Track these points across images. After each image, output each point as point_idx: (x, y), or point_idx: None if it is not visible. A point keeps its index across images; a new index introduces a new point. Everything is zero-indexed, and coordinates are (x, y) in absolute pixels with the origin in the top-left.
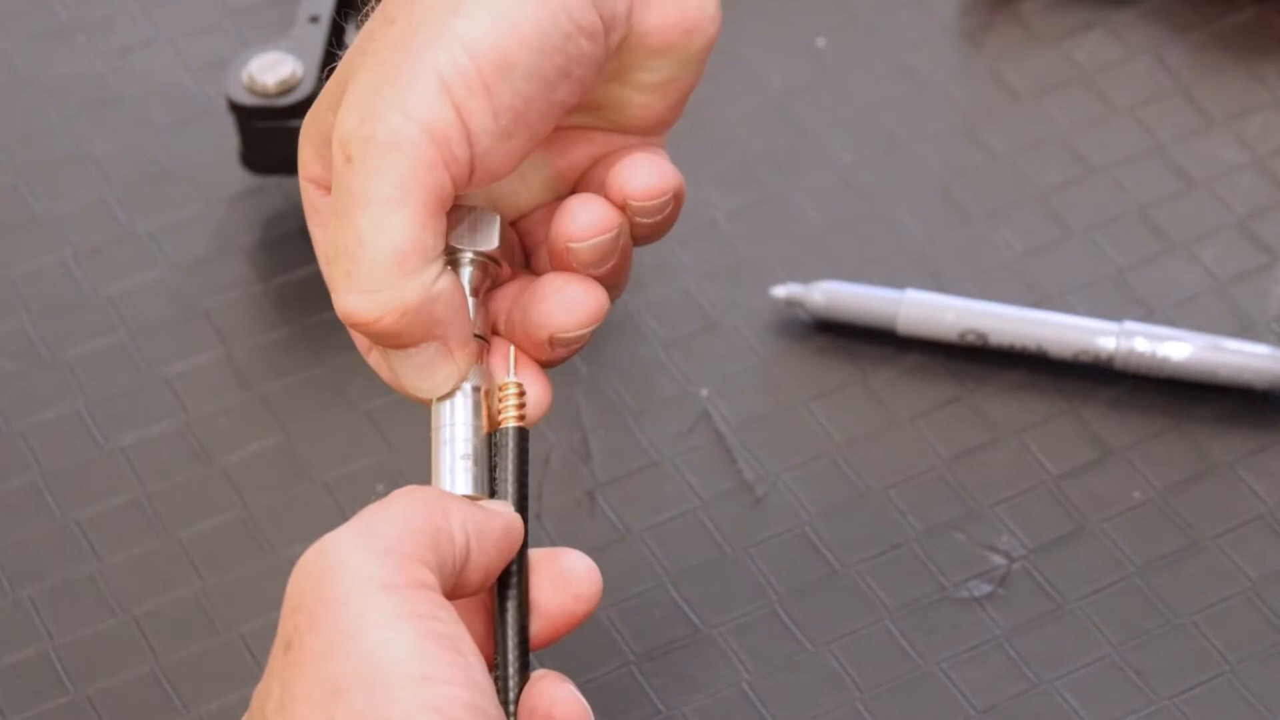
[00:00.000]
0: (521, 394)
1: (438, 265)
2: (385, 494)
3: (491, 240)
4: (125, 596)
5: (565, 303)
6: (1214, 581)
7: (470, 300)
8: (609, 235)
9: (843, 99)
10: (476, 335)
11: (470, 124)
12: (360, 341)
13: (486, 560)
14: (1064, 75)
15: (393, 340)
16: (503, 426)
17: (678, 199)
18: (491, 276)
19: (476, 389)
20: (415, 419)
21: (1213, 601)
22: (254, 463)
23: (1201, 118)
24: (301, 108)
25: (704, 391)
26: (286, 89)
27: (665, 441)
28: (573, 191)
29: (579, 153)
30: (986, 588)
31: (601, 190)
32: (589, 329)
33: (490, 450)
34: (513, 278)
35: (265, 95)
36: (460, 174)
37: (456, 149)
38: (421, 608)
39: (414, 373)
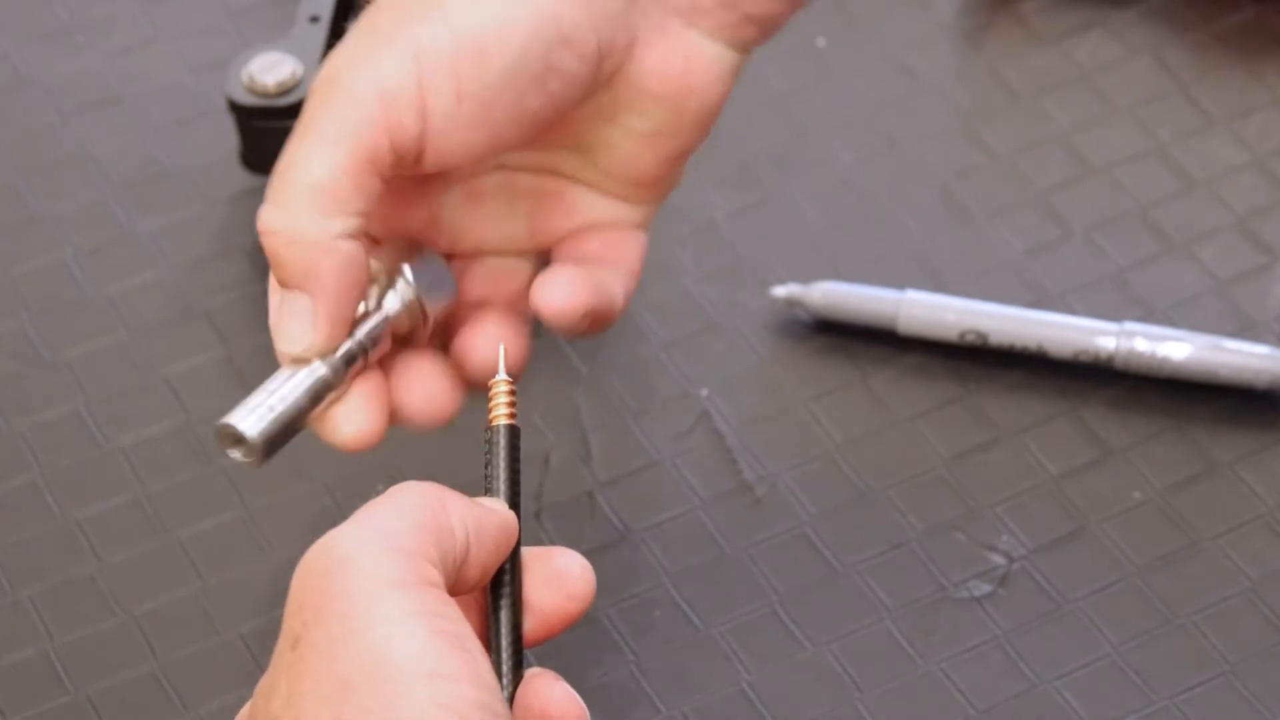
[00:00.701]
0: (512, 391)
1: (348, 225)
2: None
3: (438, 301)
4: (125, 596)
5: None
6: (1214, 581)
7: (377, 318)
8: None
9: (843, 99)
10: (363, 344)
11: (429, 98)
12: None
13: (485, 556)
14: (1064, 75)
15: (277, 270)
16: (494, 424)
17: (594, 318)
18: (411, 329)
19: (323, 379)
20: None
21: (1213, 601)
22: None
23: (1201, 118)
24: (301, 108)
25: (704, 391)
26: (286, 89)
27: (665, 441)
28: (546, 254)
29: (558, 219)
30: (986, 588)
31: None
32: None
33: (487, 449)
34: (420, 345)
35: (265, 95)
36: (405, 144)
37: (405, 117)
38: (429, 605)
39: (275, 314)
